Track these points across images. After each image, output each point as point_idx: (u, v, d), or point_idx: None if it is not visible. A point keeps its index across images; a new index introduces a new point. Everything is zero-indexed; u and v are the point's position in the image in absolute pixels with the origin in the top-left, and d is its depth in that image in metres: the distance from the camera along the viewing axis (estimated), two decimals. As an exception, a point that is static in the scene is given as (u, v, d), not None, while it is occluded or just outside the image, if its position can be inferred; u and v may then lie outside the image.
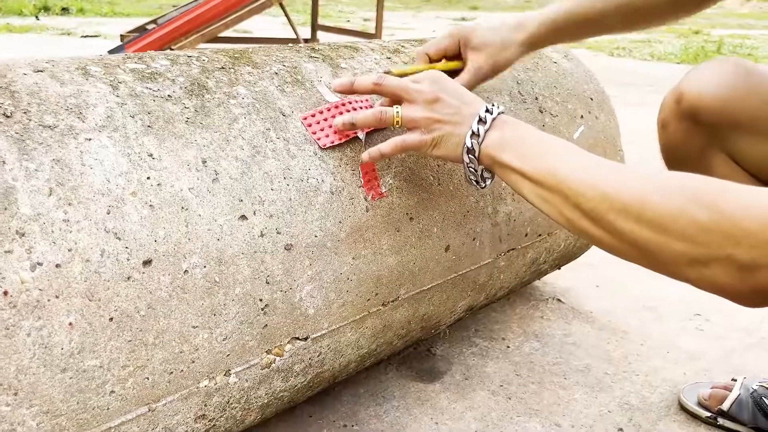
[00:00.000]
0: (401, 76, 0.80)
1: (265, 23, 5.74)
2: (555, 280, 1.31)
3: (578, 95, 1.07)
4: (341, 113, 0.73)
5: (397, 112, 0.68)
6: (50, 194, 0.52)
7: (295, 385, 0.72)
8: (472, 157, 0.66)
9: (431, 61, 0.82)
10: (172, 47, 3.81)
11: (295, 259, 0.66)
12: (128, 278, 0.54)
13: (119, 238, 0.54)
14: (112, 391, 0.54)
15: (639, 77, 4.41)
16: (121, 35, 4.42)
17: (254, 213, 0.63)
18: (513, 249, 0.95)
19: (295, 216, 0.66)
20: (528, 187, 0.63)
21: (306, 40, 4.80)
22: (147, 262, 0.55)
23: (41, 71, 0.60)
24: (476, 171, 0.67)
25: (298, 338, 0.68)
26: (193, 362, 0.59)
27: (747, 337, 1.14)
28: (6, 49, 4.14)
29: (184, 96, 0.65)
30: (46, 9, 6.54)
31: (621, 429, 0.89)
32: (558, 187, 0.59)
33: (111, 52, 4.10)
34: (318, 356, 0.72)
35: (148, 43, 3.88)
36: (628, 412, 0.92)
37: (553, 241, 1.04)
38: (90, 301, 0.52)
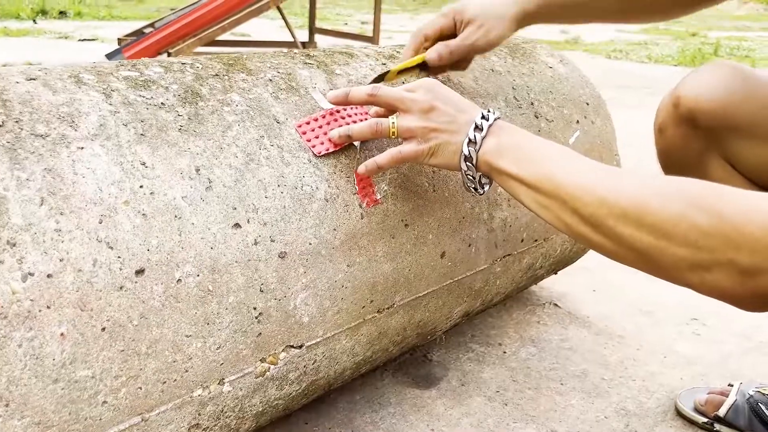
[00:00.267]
0: (401, 71, 0.80)
1: (263, 26, 5.74)
2: (551, 285, 1.31)
3: (574, 100, 1.07)
4: (336, 120, 0.73)
5: (393, 123, 0.68)
6: (42, 204, 0.51)
7: (290, 393, 0.71)
8: (470, 164, 0.66)
9: (428, 42, 0.82)
10: (170, 51, 3.81)
11: (290, 267, 0.65)
12: (121, 288, 0.54)
13: (111, 248, 0.54)
14: (105, 402, 0.54)
15: (636, 79, 4.42)
16: (118, 39, 4.41)
17: (248, 221, 0.63)
18: (509, 255, 0.95)
19: (289, 224, 0.66)
20: (526, 193, 0.63)
21: (303, 44, 4.80)
22: (140, 272, 0.55)
23: (34, 79, 0.60)
24: (474, 178, 0.67)
25: (292, 346, 0.68)
26: (187, 371, 0.59)
27: (744, 342, 1.14)
28: (3, 52, 4.14)
29: (178, 103, 0.65)
30: (44, 12, 6.54)
31: (617, 435, 0.89)
32: (556, 192, 0.59)
33: (108, 55, 4.09)
34: (313, 364, 0.71)
35: (146, 46, 3.88)
36: (625, 417, 0.92)
37: (549, 246, 1.04)
38: (82, 311, 0.52)
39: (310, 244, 0.67)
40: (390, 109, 0.72)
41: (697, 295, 0.53)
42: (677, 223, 0.50)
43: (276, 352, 0.66)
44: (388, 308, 0.78)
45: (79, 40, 5.06)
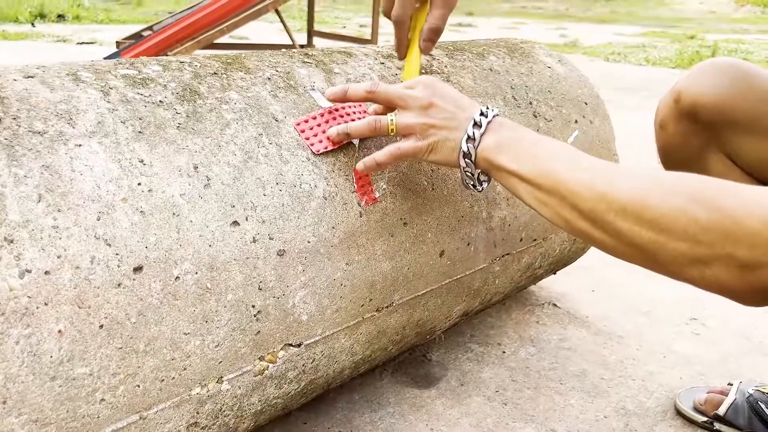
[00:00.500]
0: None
1: (262, 29, 5.75)
2: (550, 285, 1.31)
3: (572, 100, 1.07)
4: (334, 118, 0.73)
5: (392, 120, 0.68)
6: (39, 200, 0.51)
7: (289, 392, 0.71)
8: (469, 161, 0.66)
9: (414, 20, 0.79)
10: (168, 54, 3.81)
11: (288, 265, 0.65)
12: (119, 285, 0.54)
13: (109, 245, 0.54)
14: (103, 399, 0.53)
15: (635, 82, 4.43)
16: (116, 42, 4.41)
17: (246, 219, 0.63)
18: (508, 254, 0.95)
19: (287, 221, 0.66)
20: (525, 190, 0.62)
21: (302, 47, 4.80)
22: (138, 269, 0.55)
23: (32, 77, 0.60)
24: (473, 175, 0.67)
25: (291, 345, 0.68)
26: (185, 369, 0.59)
27: (743, 342, 1.14)
28: (1, 56, 4.14)
29: (176, 101, 0.65)
30: (42, 16, 6.54)
31: (617, 434, 0.89)
32: (555, 188, 0.59)
33: (107, 59, 4.10)
34: (312, 363, 0.71)
35: (144, 49, 3.88)
36: (625, 417, 0.92)
37: (548, 245, 1.04)
38: (80, 309, 0.51)
39: (309, 242, 0.67)
40: (389, 106, 0.72)
41: (696, 295, 0.53)
42: (677, 218, 0.50)
43: (275, 350, 0.66)
44: (387, 307, 0.78)
45: (78, 43, 5.06)
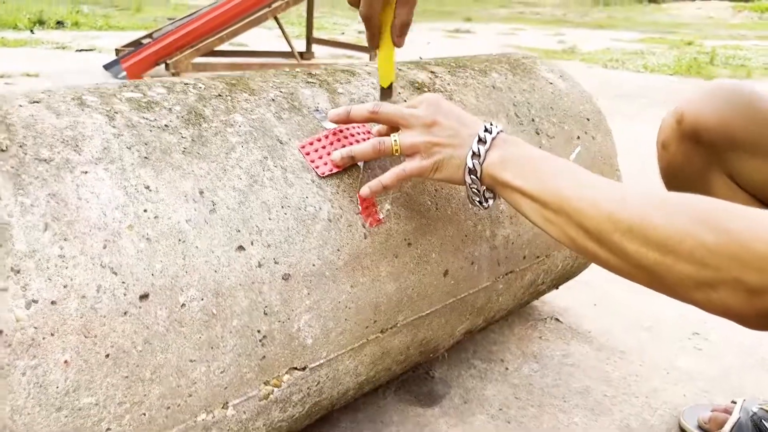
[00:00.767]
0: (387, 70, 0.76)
1: (261, 35, 5.75)
2: (553, 299, 1.31)
3: (574, 116, 1.07)
4: (339, 140, 0.73)
5: (395, 140, 0.68)
6: (46, 229, 0.51)
7: (294, 415, 0.71)
8: (474, 177, 0.66)
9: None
10: (168, 61, 3.81)
11: (293, 289, 0.65)
12: (125, 313, 0.53)
13: (115, 273, 0.54)
14: (109, 429, 0.53)
15: (633, 89, 4.44)
16: (116, 50, 4.42)
17: (252, 243, 0.63)
18: (511, 272, 0.95)
19: (293, 245, 0.66)
20: (530, 207, 0.62)
21: (301, 53, 4.81)
22: (144, 297, 0.55)
23: (37, 102, 0.60)
24: (479, 191, 0.67)
25: (296, 368, 0.67)
26: (191, 396, 0.58)
27: (746, 357, 1.14)
28: (0, 63, 4.14)
29: (181, 125, 0.65)
30: (41, 23, 6.53)
31: (621, 453, 0.88)
32: (561, 206, 0.59)
33: (106, 66, 4.10)
34: (316, 385, 0.71)
35: (143, 57, 3.88)
36: (628, 435, 0.92)
37: (551, 262, 1.04)
38: (86, 338, 0.51)
39: (314, 265, 0.67)
40: (392, 126, 0.72)
41: (697, 310, 0.53)
42: (683, 240, 0.50)
43: (280, 374, 0.66)
44: (391, 328, 0.78)
45: (77, 50, 5.06)
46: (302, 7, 5.12)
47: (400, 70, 0.95)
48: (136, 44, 4.35)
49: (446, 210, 0.82)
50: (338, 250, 0.69)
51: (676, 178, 0.84)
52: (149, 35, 4.43)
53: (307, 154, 0.71)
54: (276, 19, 4.40)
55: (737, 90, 0.77)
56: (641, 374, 1.07)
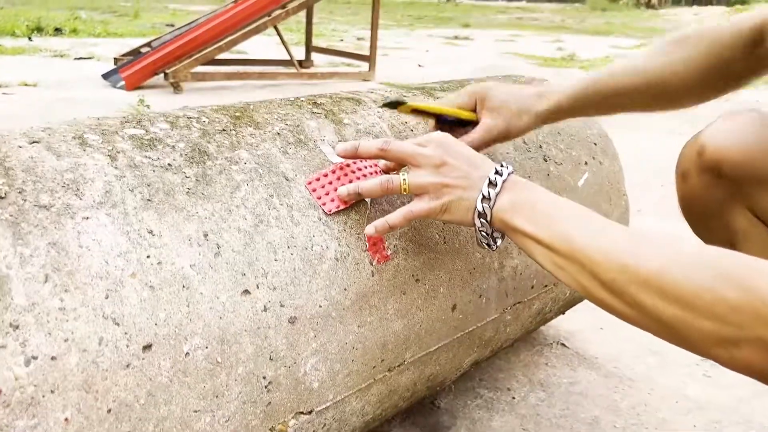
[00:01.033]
0: (415, 110, 0.78)
1: (260, 43, 5.73)
2: (558, 323, 1.29)
3: (582, 141, 1.06)
4: (346, 174, 0.71)
5: (404, 179, 0.66)
6: (46, 281, 0.49)
7: (299, 458, 0.69)
8: (484, 221, 0.64)
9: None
10: (167, 71, 3.80)
11: (300, 332, 0.63)
12: (127, 365, 0.52)
13: (118, 324, 0.52)
14: (110, 486, 0.51)
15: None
16: (114, 58, 4.40)
17: (257, 286, 0.61)
18: (519, 302, 0.93)
19: (299, 287, 0.64)
20: (541, 253, 0.61)
21: (300, 62, 4.80)
22: (147, 347, 0.53)
23: (37, 142, 0.58)
24: (488, 234, 0.65)
25: (302, 413, 0.66)
26: (195, 447, 0.57)
27: (756, 385, 1.12)
28: (-1, 72, 4.12)
29: (185, 164, 0.63)
30: (39, 30, 6.51)
31: (632, 489, 0.87)
32: (573, 254, 0.57)
33: (105, 75, 4.08)
34: (323, 428, 0.69)
35: (142, 67, 3.86)
36: (639, 469, 0.90)
37: (558, 290, 1.02)
38: (87, 393, 0.49)
39: (321, 306, 0.65)
40: (400, 164, 0.71)
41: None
42: (702, 295, 0.49)
43: (285, 419, 0.64)
44: (398, 366, 0.76)
45: (76, 58, 5.05)
46: (301, 14, 5.11)
47: (404, 96, 0.93)
48: (135, 53, 4.34)
49: (454, 243, 0.80)
50: (345, 289, 0.68)
51: (695, 208, 0.83)
52: (148, 44, 4.42)
53: (314, 190, 0.69)
54: (276, 28, 4.39)
55: (759, 121, 0.76)
56: (650, 403, 1.05)
